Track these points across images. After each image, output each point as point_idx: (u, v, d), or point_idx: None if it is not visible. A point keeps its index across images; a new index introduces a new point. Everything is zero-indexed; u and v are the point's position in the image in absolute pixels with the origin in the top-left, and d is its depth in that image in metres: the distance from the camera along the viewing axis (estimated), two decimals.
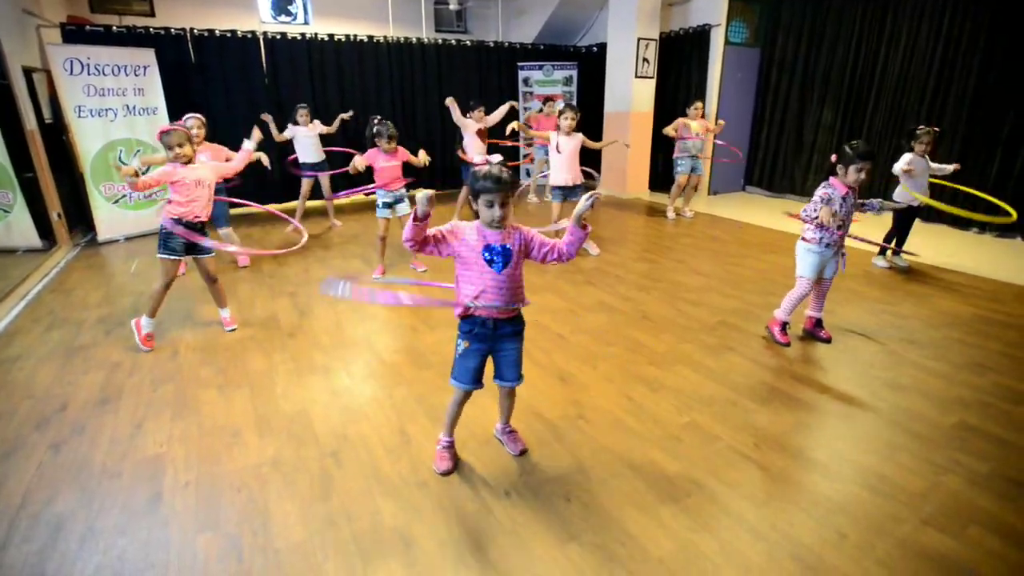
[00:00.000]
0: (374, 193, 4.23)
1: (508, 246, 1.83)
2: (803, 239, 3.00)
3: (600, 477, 2.03)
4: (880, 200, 2.99)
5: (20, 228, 4.80)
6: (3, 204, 4.72)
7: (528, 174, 8.71)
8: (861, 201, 2.93)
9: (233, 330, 3.34)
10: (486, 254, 1.81)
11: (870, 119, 6.50)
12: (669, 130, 5.87)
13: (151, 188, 2.98)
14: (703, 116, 5.94)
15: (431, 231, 1.78)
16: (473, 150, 5.77)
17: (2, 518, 1.85)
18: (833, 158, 2.87)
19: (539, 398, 2.55)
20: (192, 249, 3.10)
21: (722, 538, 1.74)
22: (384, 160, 4.09)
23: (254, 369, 2.89)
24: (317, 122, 5.70)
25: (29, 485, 2.01)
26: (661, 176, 7.78)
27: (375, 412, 2.48)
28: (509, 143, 5.86)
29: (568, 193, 4.66)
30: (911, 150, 4.15)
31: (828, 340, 3.10)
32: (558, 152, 4.56)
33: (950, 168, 4.19)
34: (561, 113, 4.56)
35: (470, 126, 5.66)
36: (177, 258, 3.06)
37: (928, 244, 5.04)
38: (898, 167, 4.13)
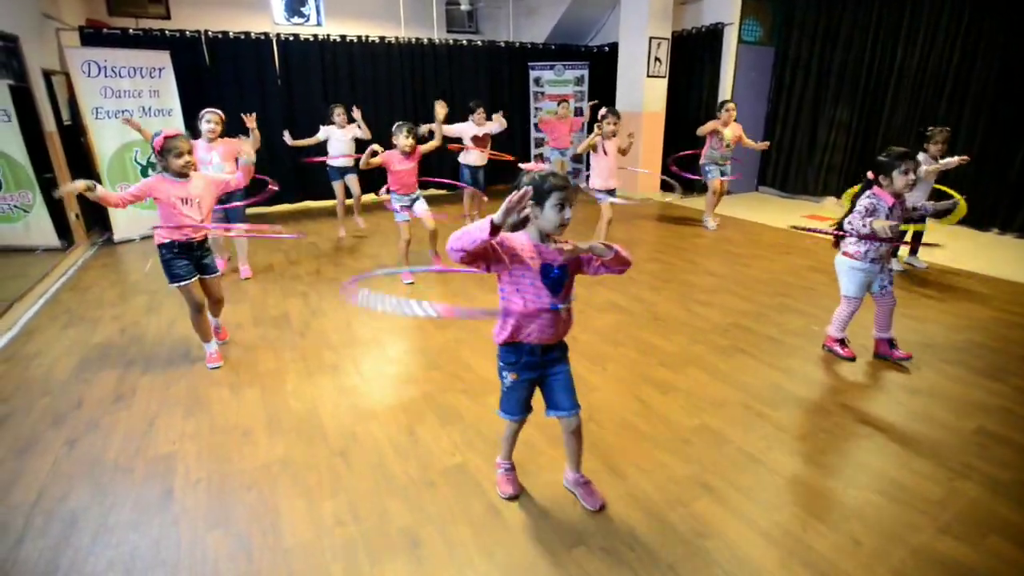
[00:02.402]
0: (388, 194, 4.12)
1: (566, 266, 1.62)
2: (844, 253, 2.75)
3: (608, 480, 2.01)
4: (932, 202, 2.81)
5: (39, 227, 4.88)
6: (23, 204, 4.81)
7: None
8: (913, 206, 2.73)
9: (217, 368, 2.90)
10: (547, 277, 1.58)
11: (887, 118, 6.40)
12: (704, 130, 5.52)
13: (130, 204, 2.61)
14: (736, 120, 5.54)
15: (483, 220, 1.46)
16: (471, 157, 5.57)
17: (18, 513, 1.88)
18: (870, 175, 2.63)
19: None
20: (200, 267, 2.84)
21: (732, 543, 1.71)
22: (399, 163, 3.94)
23: (265, 368, 2.91)
24: (354, 124, 5.38)
25: (45, 481, 2.04)
26: (674, 176, 7.71)
27: (384, 412, 2.48)
28: (509, 157, 5.72)
29: (610, 194, 4.68)
30: (923, 151, 4.00)
31: (907, 358, 2.82)
32: (604, 154, 4.54)
33: (955, 160, 3.84)
34: (604, 118, 4.50)
35: (468, 131, 5.48)
36: (190, 282, 2.75)
37: (946, 246, 4.94)
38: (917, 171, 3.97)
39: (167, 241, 2.71)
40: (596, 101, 6.59)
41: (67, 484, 2.03)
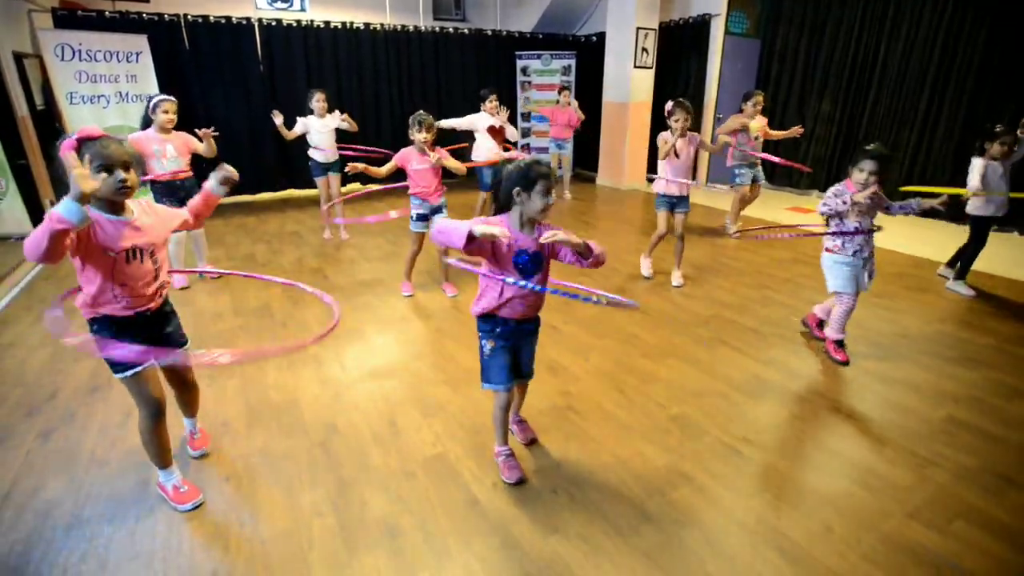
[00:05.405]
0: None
1: (539, 252, 1.75)
2: (826, 249, 2.74)
3: (588, 469, 2.03)
4: (918, 200, 2.65)
5: (12, 215, 4.77)
6: None
7: None
8: (899, 204, 2.65)
9: (192, 509, 1.83)
10: (517, 261, 1.73)
11: (871, 110, 6.46)
12: (726, 134, 4.53)
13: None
14: (761, 112, 4.87)
15: (467, 224, 1.57)
16: (485, 151, 4.92)
17: None
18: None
19: (529, 389, 2.54)
20: (159, 340, 1.80)
21: (708, 531, 1.74)
22: (418, 161, 3.32)
23: None
24: (337, 113, 4.79)
25: (17, 473, 2.01)
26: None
27: (365, 402, 2.48)
28: (508, 147, 5.50)
29: (677, 203, 3.86)
30: (982, 153, 3.50)
31: (824, 340, 2.90)
32: (676, 157, 3.72)
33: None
34: (671, 114, 3.61)
35: (481, 123, 4.91)
36: (140, 369, 1.73)
37: (921, 237, 5.03)
38: (973, 184, 3.48)
39: (97, 317, 1.65)
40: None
41: (40, 476, 1.99)
